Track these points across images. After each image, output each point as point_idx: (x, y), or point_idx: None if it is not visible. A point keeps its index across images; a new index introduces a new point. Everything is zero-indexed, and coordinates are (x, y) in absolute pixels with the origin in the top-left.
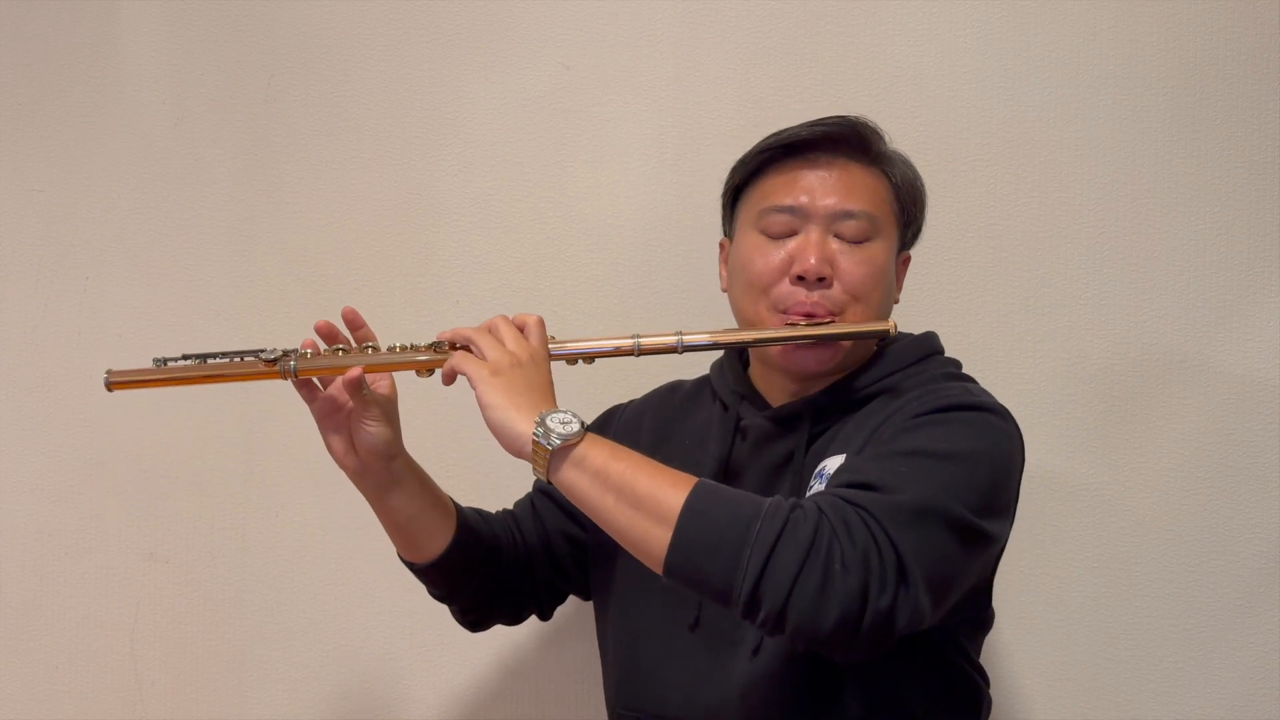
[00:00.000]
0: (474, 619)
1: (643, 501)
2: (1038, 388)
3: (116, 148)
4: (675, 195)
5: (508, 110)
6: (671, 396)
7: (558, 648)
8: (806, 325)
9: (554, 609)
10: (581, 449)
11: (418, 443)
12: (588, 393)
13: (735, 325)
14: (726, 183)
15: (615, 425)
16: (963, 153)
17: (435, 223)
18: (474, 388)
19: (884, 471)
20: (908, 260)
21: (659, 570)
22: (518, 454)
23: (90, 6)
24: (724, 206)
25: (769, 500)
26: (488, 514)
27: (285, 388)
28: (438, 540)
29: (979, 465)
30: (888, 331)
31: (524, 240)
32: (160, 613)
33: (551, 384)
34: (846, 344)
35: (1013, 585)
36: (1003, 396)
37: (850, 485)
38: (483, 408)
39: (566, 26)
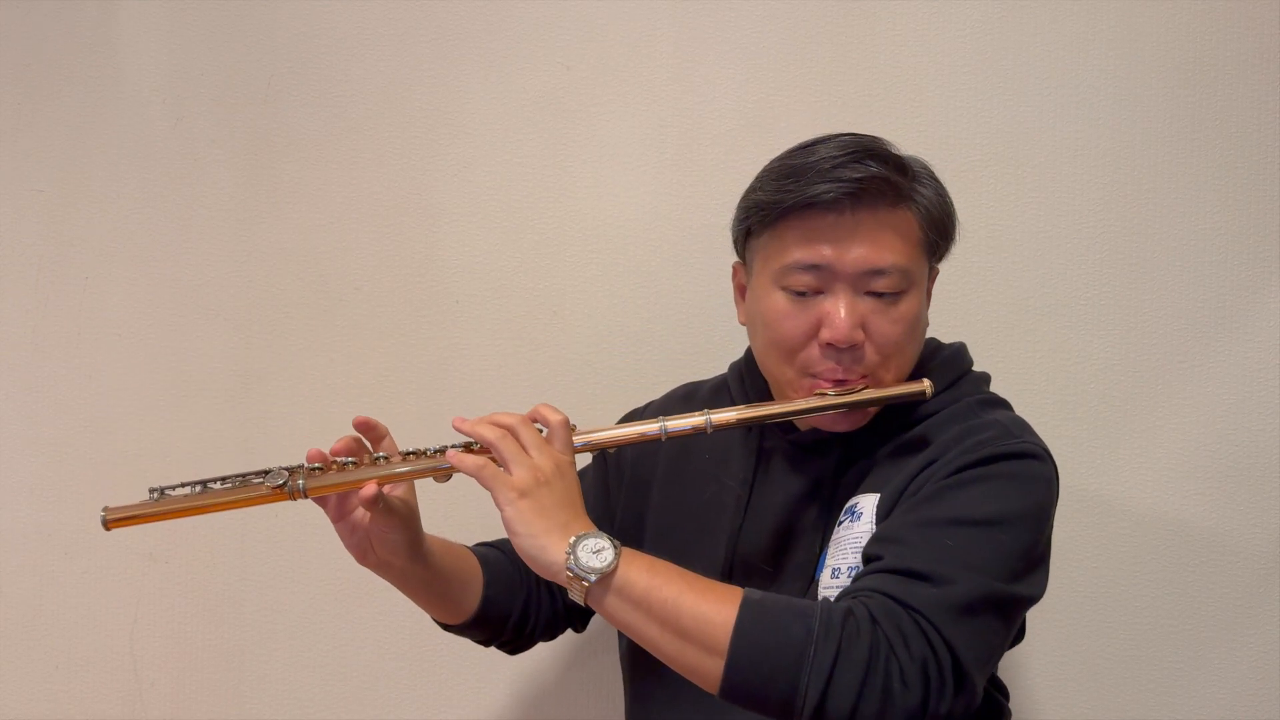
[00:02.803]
0: (513, 648)
1: (689, 632)
2: (1038, 388)
3: (116, 148)
4: (675, 195)
5: (508, 110)
6: (690, 404)
7: (561, 647)
8: (836, 394)
9: (588, 621)
10: (619, 577)
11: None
12: (602, 394)
13: (746, 344)
14: (738, 220)
15: None
16: (962, 153)
17: (435, 223)
18: (500, 509)
19: (932, 551)
20: (935, 274)
21: (713, 693)
22: (552, 579)
23: (90, 6)
24: (735, 236)
25: (819, 613)
26: (510, 550)
27: (286, 387)
28: (466, 605)
29: (1024, 527)
30: (923, 394)
31: (524, 240)
32: (160, 613)
33: (579, 491)
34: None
35: None
36: (1003, 396)
37: (898, 572)
38: (511, 535)
39: (567, 26)
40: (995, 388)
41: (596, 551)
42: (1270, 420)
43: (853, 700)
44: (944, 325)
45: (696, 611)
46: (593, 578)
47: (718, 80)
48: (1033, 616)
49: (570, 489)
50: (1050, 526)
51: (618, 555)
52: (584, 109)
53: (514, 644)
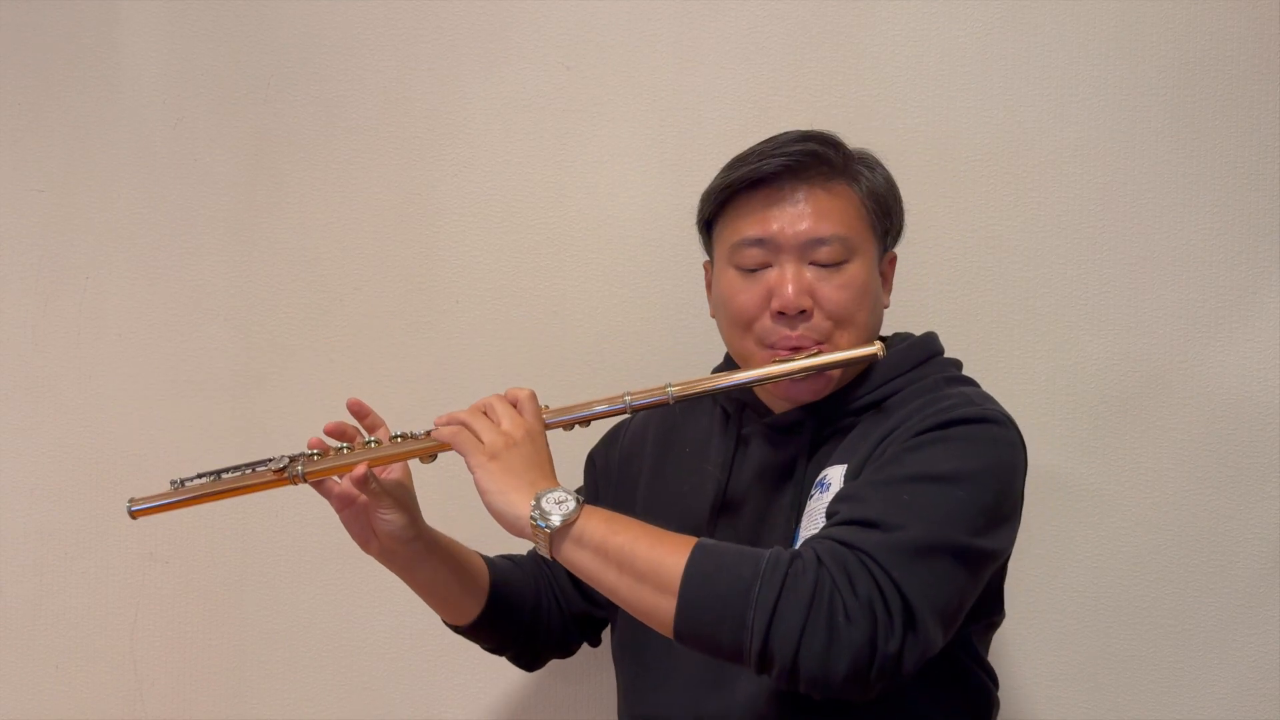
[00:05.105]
0: (528, 661)
1: (644, 575)
2: (1037, 388)
3: (116, 148)
4: (675, 195)
5: (508, 110)
6: (673, 404)
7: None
8: (792, 360)
9: (600, 634)
10: (579, 526)
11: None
12: (602, 394)
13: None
14: (698, 214)
15: (622, 440)
16: (962, 153)
17: (435, 223)
18: (472, 473)
19: (886, 504)
20: (894, 259)
21: (670, 636)
22: (519, 535)
23: (90, 6)
24: (700, 234)
25: (767, 555)
26: (519, 559)
27: (286, 387)
28: (473, 602)
29: (983, 483)
30: (875, 356)
31: (524, 240)
32: (160, 613)
33: (549, 458)
34: (837, 371)
35: (1012, 585)
36: (1002, 397)
37: (851, 522)
38: (481, 493)
39: (567, 26)
40: (995, 389)
41: (559, 503)
42: (1270, 420)
43: (797, 635)
44: (945, 326)
45: (650, 555)
46: (556, 522)
47: (718, 80)
48: (1033, 616)
49: (539, 453)
50: (1017, 487)
51: (579, 507)
52: (584, 109)
53: (525, 655)
